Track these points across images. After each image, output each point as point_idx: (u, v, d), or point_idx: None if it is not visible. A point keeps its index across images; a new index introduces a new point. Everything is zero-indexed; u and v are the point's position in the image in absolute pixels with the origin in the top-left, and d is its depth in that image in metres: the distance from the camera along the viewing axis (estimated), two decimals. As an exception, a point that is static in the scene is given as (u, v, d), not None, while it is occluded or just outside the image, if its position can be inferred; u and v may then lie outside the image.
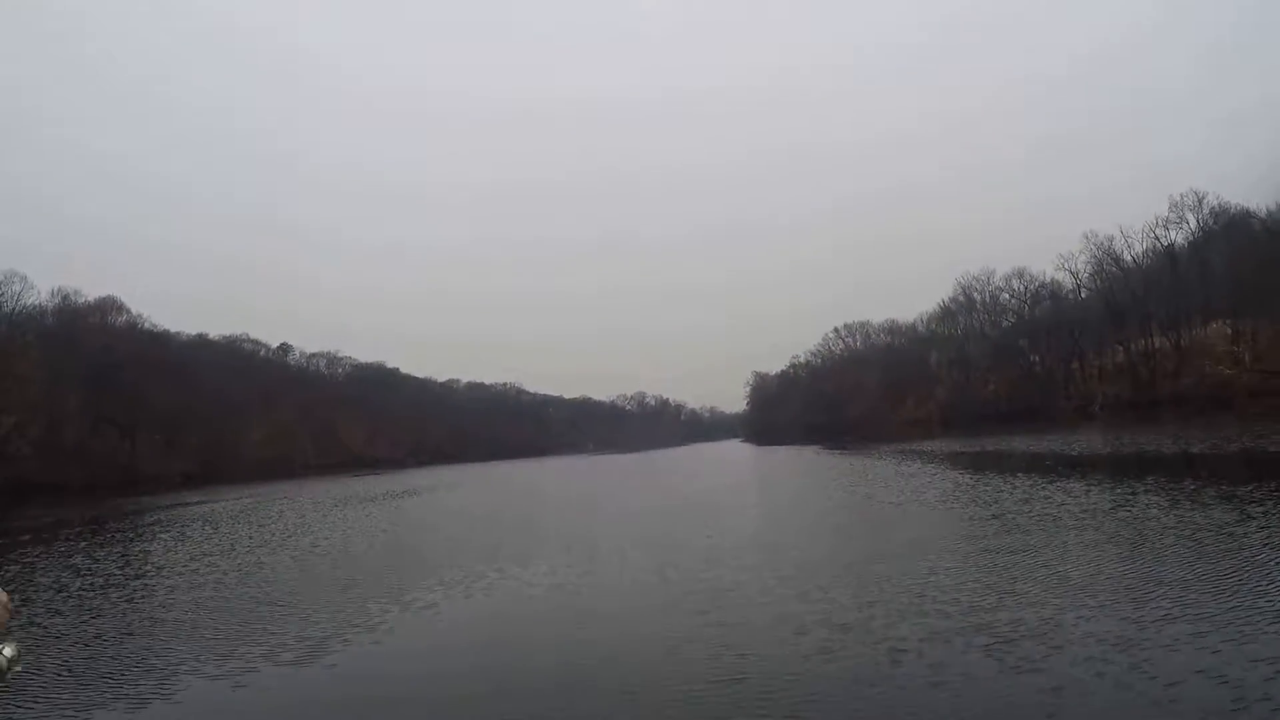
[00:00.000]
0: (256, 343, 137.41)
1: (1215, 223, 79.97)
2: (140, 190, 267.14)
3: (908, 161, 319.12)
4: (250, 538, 23.74)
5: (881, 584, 10.87)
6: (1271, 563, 9.92)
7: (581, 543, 18.09)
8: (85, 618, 12.58)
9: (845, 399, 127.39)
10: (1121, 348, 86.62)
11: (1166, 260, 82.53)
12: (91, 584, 16.00)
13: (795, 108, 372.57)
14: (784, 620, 9.38)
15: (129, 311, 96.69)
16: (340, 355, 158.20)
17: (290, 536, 23.39)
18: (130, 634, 11.23)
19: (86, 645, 10.66)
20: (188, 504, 42.10)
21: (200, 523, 30.30)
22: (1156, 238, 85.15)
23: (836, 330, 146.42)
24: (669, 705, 7.01)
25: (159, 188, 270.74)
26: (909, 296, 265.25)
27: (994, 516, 16.36)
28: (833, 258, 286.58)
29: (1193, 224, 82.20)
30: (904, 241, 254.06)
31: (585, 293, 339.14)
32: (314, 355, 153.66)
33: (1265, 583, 9.07)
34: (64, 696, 8.38)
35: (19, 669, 2.24)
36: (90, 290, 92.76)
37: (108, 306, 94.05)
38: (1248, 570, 9.70)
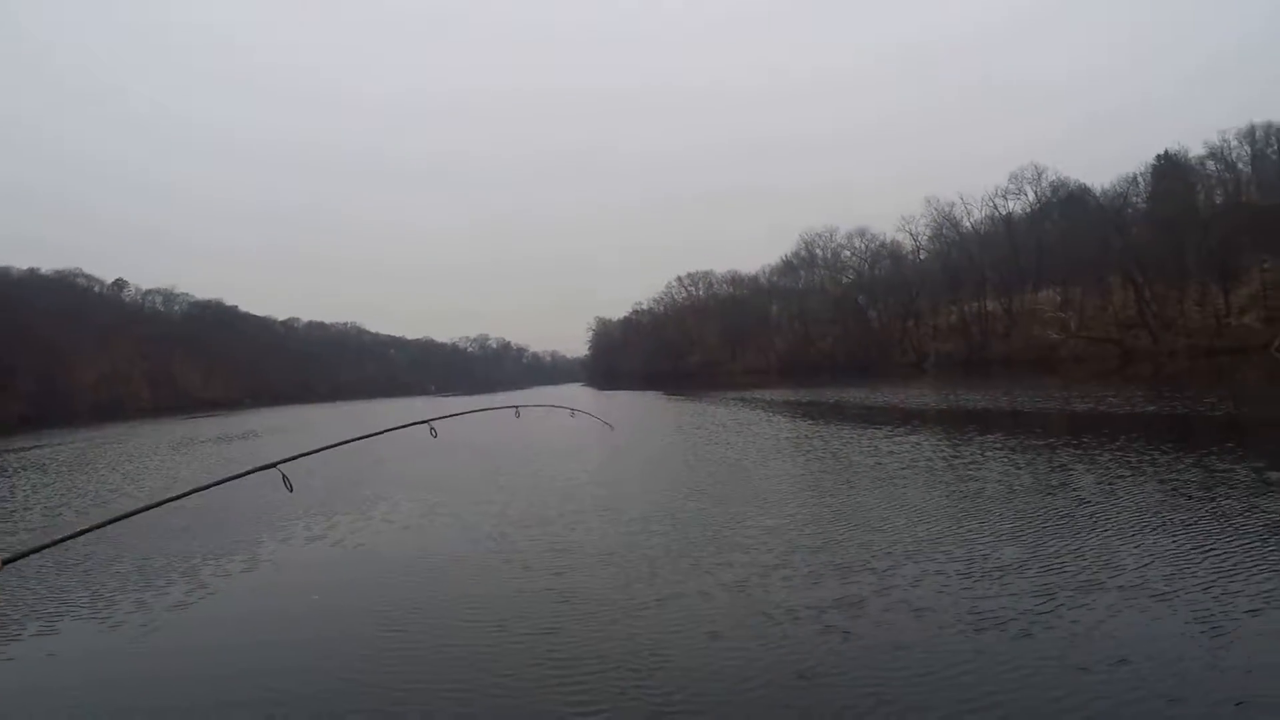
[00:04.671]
0: (90, 278, 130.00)
1: (1053, 196, 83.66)
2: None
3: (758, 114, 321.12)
4: (69, 489, 19.66)
5: (720, 546, 8.95)
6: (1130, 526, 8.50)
7: (415, 486, 15.76)
8: None
9: (686, 347, 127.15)
10: (955, 309, 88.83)
11: (1003, 228, 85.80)
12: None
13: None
14: (620, 593, 7.44)
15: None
16: (177, 292, 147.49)
17: (116, 489, 19.32)
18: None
19: None
20: (11, 451, 35.78)
21: (28, 470, 25.43)
22: (995, 207, 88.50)
23: (679, 279, 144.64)
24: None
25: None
26: (753, 253, 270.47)
27: (836, 470, 14.66)
28: (680, 206, 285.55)
29: (1031, 196, 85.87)
30: (749, 197, 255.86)
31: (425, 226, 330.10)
32: (150, 291, 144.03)
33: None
34: None
35: None
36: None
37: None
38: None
